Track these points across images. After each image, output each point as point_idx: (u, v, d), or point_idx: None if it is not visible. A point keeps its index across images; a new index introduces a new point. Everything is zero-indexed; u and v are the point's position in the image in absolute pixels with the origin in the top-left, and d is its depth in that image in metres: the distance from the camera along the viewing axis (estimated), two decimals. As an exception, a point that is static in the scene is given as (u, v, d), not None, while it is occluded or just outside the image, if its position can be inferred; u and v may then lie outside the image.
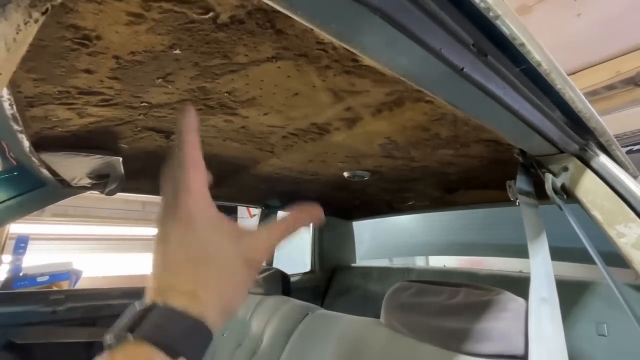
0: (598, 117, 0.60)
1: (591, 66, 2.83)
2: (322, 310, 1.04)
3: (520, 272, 1.51)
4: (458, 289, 0.70)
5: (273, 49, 0.47)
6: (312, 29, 0.39)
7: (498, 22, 0.34)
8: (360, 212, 2.07)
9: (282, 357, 0.95)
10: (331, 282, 2.09)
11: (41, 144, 0.78)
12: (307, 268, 2.15)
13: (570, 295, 1.09)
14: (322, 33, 0.31)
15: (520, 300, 0.61)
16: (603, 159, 0.65)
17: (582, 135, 0.65)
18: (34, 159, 0.84)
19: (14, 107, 0.52)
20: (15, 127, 0.61)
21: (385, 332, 0.77)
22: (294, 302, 1.16)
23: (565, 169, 0.67)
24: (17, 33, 0.22)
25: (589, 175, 0.65)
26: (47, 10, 0.23)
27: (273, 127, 0.81)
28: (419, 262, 3.17)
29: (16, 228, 2.80)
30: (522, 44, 0.38)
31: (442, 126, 0.74)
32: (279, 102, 0.67)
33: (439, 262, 3.01)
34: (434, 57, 0.34)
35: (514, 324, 0.58)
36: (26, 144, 0.72)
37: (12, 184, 1.09)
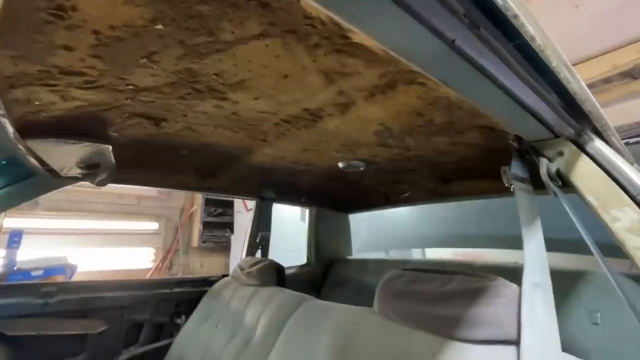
0: (594, 100, 0.59)
1: (588, 59, 2.82)
2: (316, 300, 1.04)
3: (515, 262, 1.51)
4: (451, 276, 0.70)
5: (260, 24, 0.45)
6: (298, 0, 0.37)
7: (491, -9, 0.33)
8: (356, 205, 2.06)
9: (276, 346, 0.94)
10: (327, 275, 2.09)
11: (26, 130, 0.76)
12: (303, 260, 2.15)
13: (564, 284, 1.09)
14: (309, 2, 0.30)
15: (514, 286, 0.60)
16: (598, 144, 0.64)
17: (578, 120, 0.64)
18: (19, 146, 0.82)
19: (-8, 88, 0.51)
20: (-3, 110, 0.59)
21: (378, 320, 0.76)
22: (288, 293, 1.15)
23: (561, 153, 0.66)
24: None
25: (584, 160, 0.64)
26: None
27: (265, 112, 0.80)
28: (416, 255, 3.18)
29: (10, 222, 2.78)
30: (516, 16, 0.37)
31: (437, 111, 0.73)
32: (269, 86, 0.65)
33: (435, 255, 3.02)
34: (423, 27, 0.33)
35: (507, 309, 0.57)
36: (10, 129, 0.70)
37: (1, 174, 1.07)
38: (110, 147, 0.95)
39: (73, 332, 1.30)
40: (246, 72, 0.59)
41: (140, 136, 0.96)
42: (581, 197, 0.64)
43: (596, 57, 2.78)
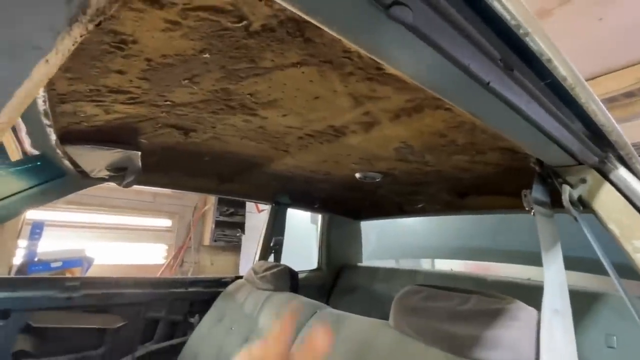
0: (620, 130, 0.60)
1: (611, 72, 2.77)
2: (330, 309, 1.06)
3: (529, 279, 1.50)
4: (469, 295, 0.71)
5: (299, 55, 0.48)
6: (340, 39, 0.40)
7: (527, 39, 0.35)
8: (369, 213, 2.07)
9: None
10: (337, 281, 2.11)
11: (67, 137, 0.80)
12: (312, 261, 2.17)
13: (580, 305, 1.09)
14: (353, 45, 0.32)
15: (531, 309, 0.61)
16: (622, 172, 0.65)
17: (602, 148, 0.65)
18: (58, 151, 0.87)
19: (47, 103, 0.54)
20: (45, 121, 0.63)
21: (393, 335, 0.78)
22: (302, 300, 1.17)
23: (583, 180, 0.67)
24: (74, 42, 0.23)
25: (607, 188, 0.64)
26: (100, 22, 0.25)
27: (290, 127, 0.82)
28: (425, 265, 3.16)
29: (32, 214, 2.88)
30: (549, 60, 0.38)
31: (460, 133, 0.75)
32: (299, 105, 0.68)
33: (445, 266, 3.00)
34: (461, 72, 0.35)
35: (525, 333, 0.58)
36: (53, 137, 0.74)
37: (34, 173, 1.13)
38: (139, 153, 1.00)
39: (93, 327, 1.35)
40: (279, 93, 0.62)
41: (168, 144, 1.00)
42: (603, 225, 0.65)
43: (619, 70, 2.73)
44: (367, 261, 2.55)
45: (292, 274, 1.40)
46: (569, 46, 2.36)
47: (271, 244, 1.76)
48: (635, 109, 2.77)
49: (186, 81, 0.56)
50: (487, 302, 0.67)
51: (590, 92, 0.48)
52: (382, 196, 1.68)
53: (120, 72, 0.49)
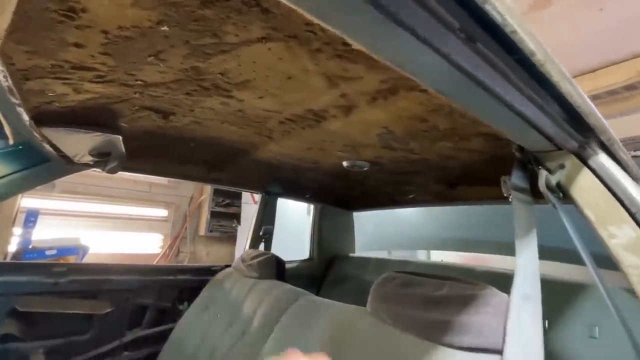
0: (598, 113, 0.58)
1: (611, 64, 2.73)
2: (312, 296, 1.06)
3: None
4: (443, 281, 0.70)
5: (262, 28, 0.46)
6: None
7: (487, 7, 0.33)
8: (362, 203, 2.07)
9: (270, 338, 0.97)
10: (328, 271, 2.11)
11: (41, 118, 0.79)
12: (306, 255, 2.17)
13: (563, 295, 1.08)
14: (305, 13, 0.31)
15: (504, 295, 0.60)
16: (602, 158, 0.63)
17: (583, 133, 0.63)
18: (35, 133, 0.86)
19: (9, 79, 0.53)
20: (13, 100, 0.62)
21: (370, 321, 0.78)
22: (286, 287, 1.17)
23: (562, 166, 0.66)
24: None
25: (586, 173, 0.63)
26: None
27: (269, 111, 0.81)
28: (421, 256, 3.17)
29: (27, 202, 2.88)
30: (514, 32, 0.37)
31: (439, 117, 0.73)
32: (273, 86, 0.66)
33: (441, 257, 3.00)
34: (417, 41, 0.33)
35: (494, 318, 0.57)
36: (26, 117, 0.73)
37: (17, 158, 1.11)
38: (121, 138, 0.99)
39: (81, 312, 1.36)
40: (250, 72, 0.60)
41: (149, 128, 0.99)
42: (580, 211, 0.64)
43: (620, 62, 2.69)
44: (364, 251, 2.56)
45: (278, 262, 1.40)
46: (568, 37, 2.32)
47: (261, 233, 1.76)
48: (636, 102, 2.74)
49: (151, 57, 0.54)
50: (461, 288, 0.66)
51: (562, 70, 0.46)
52: (373, 186, 1.67)
53: (78, 45, 0.48)
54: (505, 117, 0.51)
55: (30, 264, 1.33)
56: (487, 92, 0.44)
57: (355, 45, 0.48)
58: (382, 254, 2.90)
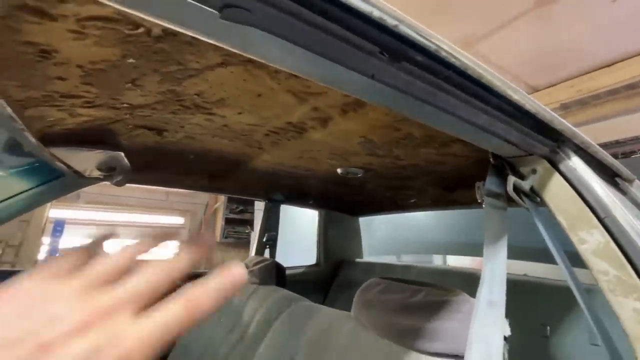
0: (560, 119, 0.58)
1: (628, 57, 2.61)
2: (306, 302, 1.08)
3: (525, 275, 1.46)
4: (421, 287, 0.71)
5: (218, 55, 0.50)
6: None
7: (401, 30, 0.35)
8: (365, 209, 2.07)
9: (264, 342, 1.00)
10: (335, 276, 2.12)
11: (47, 139, 0.87)
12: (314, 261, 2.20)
13: (563, 301, 1.06)
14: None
15: (474, 301, 0.61)
16: (574, 162, 0.63)
17: (552, 138, 0.63)
18: (45, 153, 0.94)
19: (9, 108, 0.60)
20: (17, 125, 0.69)
21: (352, 326, 0.79)
22: (282, 293, 1.20)
23: (534, 171, 0.65)
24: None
25: (557, 178, 0.63)
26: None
27: (252, 125, 0.85)
28: (437, 261, 3.11)
29: (54, 213, 3.08)
30: (438, 49, 0.39)
31: (411, 126, 0.74)
32: (247, 103, 0.70)
33: (455, 262, 2.94)
34: (339, 66, 0.36)
35: (463, 324, 0.58)
36: (32, 140, 0.81)
37: (34, 174, 1.22)
38: (122, 154, 1.06)
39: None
40: (222, 92, 0.65)
41: (148, 143, 1.06)
42: (553, 216, 0.63)
43: (636, 56, 2.58)
44: (376, 256, 2.55)
45: (279, 268, 1.44)
46: (581, 29, 2.24)
47: (264, 240, 1.80)
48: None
49: (129, 84, 0.59)
50: (436, 294, 0.67)
51: (504, 81, 0.47)
52: (373, 191, 1.68)
53: (61, 78, 0.53)
54: (458, 126, 0.53)
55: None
56: (429, 105, 0.46)
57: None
58: (392, 259, 2.88)
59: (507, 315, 0.91)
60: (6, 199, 1.22)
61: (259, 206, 4.15)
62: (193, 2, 0.27)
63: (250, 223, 3.94)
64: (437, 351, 0.60)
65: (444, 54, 0.39)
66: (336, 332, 0.81)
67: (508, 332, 0.56)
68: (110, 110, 0.72)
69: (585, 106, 2.88)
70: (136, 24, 0.39)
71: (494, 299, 0.56)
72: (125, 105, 0.70)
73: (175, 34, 0.42)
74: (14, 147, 1.04)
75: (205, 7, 0.27)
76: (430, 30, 0.36)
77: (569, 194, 0.60)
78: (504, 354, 0.54)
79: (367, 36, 0.35)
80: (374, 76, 0.38)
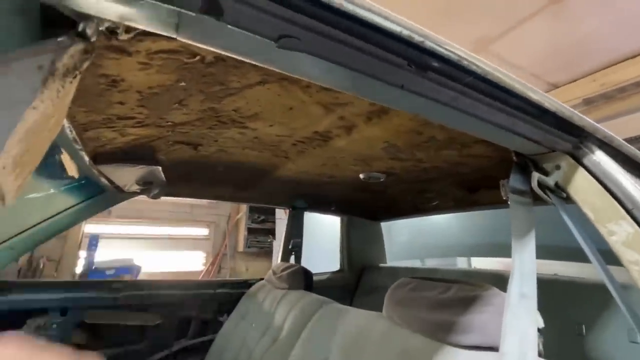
0: (581, 115, 0.60)
1: (651, 49, 2.54)
2: (335, 304, 1.11)
3: (555, 275, 1.43)
4: (451, 284, 0.73)
5: (259, 75, 0.56)
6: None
7: (427, 45, 0.40)
8: (387, 213, 2.09)
9: (297, 344, 1.04)
10: (360, 281, 2.14)
11: (97, 158, 0.96)
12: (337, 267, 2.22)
13: (599, 300, 1.05)
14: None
15: (505, 295, 0.63)
16: (598, 156, 0.64)
17: (575, 134, 0.65)
18: (94, 170, 1.04)
19: (73, 132, 0.68)
20: (77, 146, 0.78)
21: (385, 324, 0.82)
22: (312, 297, 1.24)
23: (558, 167, 0.67)
24: (57, 94, 0.34)
25: (581, 173, 0.64)
26: (76, 76, 0.35)
27: (281, 136, 0.91)
28: (461, 264, 3.07)
29: (89, 228, 3.26)
30: (460, 59, 0.43)
31: (434, 129, 0.78)
32: (279, 116, 0.76)
33: (481, 264, 2.89)
34: (372, 79, 0.41)
35: (495, 317, 0.60)
36: (86, 158, 0.90)
37: (80, 191, 1.33)
38: (160, 168, 1.15)
39: (135, 323, 1.53)
40: (257, 107, 0.71)
41: (183, 158, 1.14)
42: (580, 210, 0.65)
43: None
44: (399, 261, 2.55)
45: (306, 273, 1.48)
46: (600, 23, 2.21)
47: (290, 247, 1.85)
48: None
49: (176, 105, 0.67)
50: (466, 289, 0.69)
51: (524, 83, 0.50)
52: (395, 196, 1.71)
53: (121, 102, 0.61)
54: (482, 128, 0.56)
55: (94, 282, 1.54)
56: (454, 110, 0.50)
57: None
58: (416, 264, 2.86)
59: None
60: (56, 214, 1.34)
61: (280, 215, 4.22)
62: (253, 35, 0.33)
63: (272, 232, 4.01)
64: (471, 344, 0.62)
65: (465, 62, 0.44)
66: (369, 331, 0.84)
67: (541, 324, 0.58)
68: (155, 128, 0.80)
69: (610, 100, 2.80)
70: (194, 53, 0.46)
71: (525, 291, 0.58)
72: (169, 123, 0.78)
73: (224, 59, 0.49)
74: (64, 167, 1.15)
75: (264, 38, 0.33)
76: (445, 34, 0.41)
77: (594, 187, 0.62)
78: (539, 345, 0.56)
79: (396, 52, 0.40)
80: (403, 86, 0.43)
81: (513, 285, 0.59)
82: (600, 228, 0.61)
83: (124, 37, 0.31)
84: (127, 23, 0.31)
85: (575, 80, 3.03)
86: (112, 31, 0.32)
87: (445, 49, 0.41)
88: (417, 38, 0.39)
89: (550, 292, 1.23)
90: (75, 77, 0.35)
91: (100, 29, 0.34)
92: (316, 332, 1.02)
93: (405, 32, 0.38)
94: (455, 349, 0.63)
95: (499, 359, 0.54)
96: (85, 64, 0.35)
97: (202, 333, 1.69)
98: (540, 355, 0.55)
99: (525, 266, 0.61)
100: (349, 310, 1.00)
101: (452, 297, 0.70)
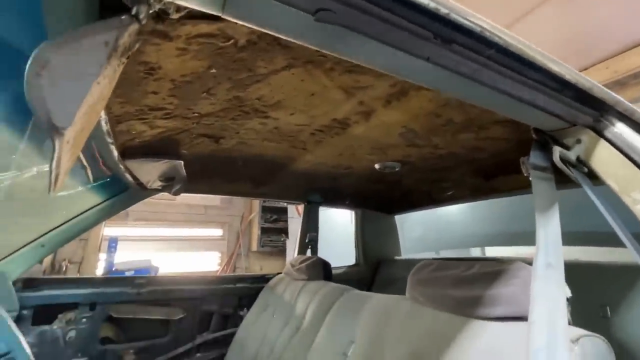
0: (601, 87, 0.61)
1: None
2: (356, 291, 1.13)
3: (576, 259, 1.42)
4: (474, 262, 0.74)
5: (285, 59, 0.59)
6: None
7: (452, 17, 0.42)
8: (401, 206, 2.10)
9: (321, 330, 1.06)
10: (376, 274, 2.15)
11: (125, 153, 1.00)
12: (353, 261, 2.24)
13: (574, 276, 1.06)
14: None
15: (530, 268, 0.64)
16: (620, 128, 0.65)
17: (596, 107, 0.66)
18: (121, 165, 1.08)
19: (108, 124, 0.72)
20: (109, 140, 0.82)
21: (408, 305, 0.84)
22: (332, 285, 1.26)
23: (579, 141, 0.68)
24: (114, 73, 0.37)
25: (603, 145, 0.65)
26: (128, 56, 0.38)
27: (300, 125, 0.94)
28: (474, 254, 3.05)
29: (108, 231, 3.35)
30: (483, 30, 0.45)
31: (452, 110, 0.79)
32: (301, 103, 0.79)
33: (495, 253, 2.87)
34: (401, 52, 0.43)
35: (522, 289, 0.61)
36: (115, 153, 0.94)
37: (106, 189, 1.38)
38: (182, 163, 1.19)
39: (159, 317, 1.57)
40: (280, 94, 0.73)
41: (204, 152, 1.18)
42: (603, 182, 0.65)
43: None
44: (413, 254, 2.55)
45: (324, 264, 1.50)
46: (610, 10, 2.18)
47: (306, 240, 1.88)
48: None
49: (204, 94, 0.70)
50: (490, 265, 0.70)
51: (545, 54, 0.52)
52: (410, 187, 1.72)
53: (154, 92, 0.64)
54: (504, 102, 0.58)
55: (118, 278, 1.59)
56: (476, 83, 0.51)
57: (359, 60, 0.59)
58: (431, 255, 2.85)
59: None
60: (82, 213, 1.39)
61: (292, 214, 4.26)
62: (292, 9, 0.35)
63: (284, 231, 4.05)
64: (498, 315, 0.63)
65: (487, 34, 0.45)
66: (394, 313, 0.86)
67: (569, 294, 0.59)
68: (182, 120, 0.84)
69: (624, 86, 2.75)
70: (228, 37, 0.49)
71: (551, 261, 0.59)
72: (195, 114, 0.81)
73: (256, 42, 0.51)
74: (92, 164, 1.19)
75: (302, 12, 0.35)
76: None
77: (617, 158, 0.63)
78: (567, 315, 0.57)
79: (423, 25, 0.42)
80: (429, 59, 0.45)
81: (539, 256, 0.60)
82: (625, 198, 0.61)
83: (175, 16, 0.34)
84: (178, 1, 0.34)
85: (586, 69, 2.98)
86: (163, 12, 0.35)
87: (469, 21, 0.43)
88: (443, 10, 0.41)
89: (572, 276, 1.23)
90: (127, 57, 0.38)
91: (152, 11, 0.37)
92: (339, 318, 1.04)
93: (432, 5, 0.40)
94: (483, 322, 0.65)
95: (528, 328, 0.55)
96: (137, 45, 0.38)
97: (223, 327, 1.73)
98: (569, 324, 0.56)
99: (550, 237, 0.62)
100: (371, 296, 1.02)
101: (476, 273, 0.71)
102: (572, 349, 0.52)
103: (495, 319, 0.63)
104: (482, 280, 0.69)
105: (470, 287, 0.70)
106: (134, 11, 0.36)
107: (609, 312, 1.08)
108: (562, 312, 0.54)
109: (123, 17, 0.33)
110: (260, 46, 0.53)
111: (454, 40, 0.45)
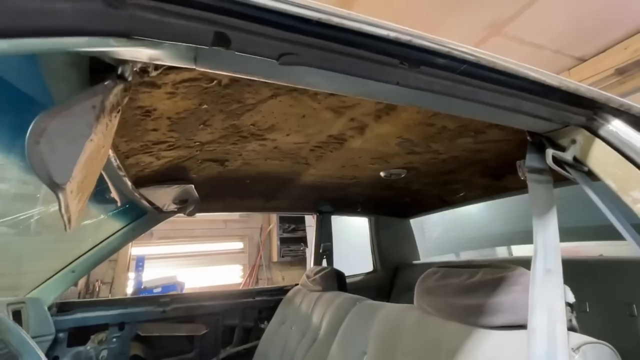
0: (589, 87, 0.60)
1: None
2: (368, 301, 1.14)
3: (601, 255, 1.36)
4: (477, 269, 0.74)
5: (269, 90, 0.62)
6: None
7: (415, 42, 0.44)
8: (414, 209, 2.08)
9: (336, 340, 1.07)
10: (395, 280, 2.13)
11: (138, 182, 1.06)
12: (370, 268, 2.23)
13: (600, 274, 1.00)
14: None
15: (530, 274, 0.63)
16: (615, 126, 0.63)
17: (588, 106, 0.65)
18: (135, 193, 1.15)
19: (117, 160, 0.78)
20: (120, 173, 0.88)
21: (416, 314, 0.84)
22: (346, 296, 1.27)
23: (574, 141, 0.67)
24: (106, 127, 0.41)
25: (598, 144, 0.64)
26: (119, 110, 0.42)
27: (298, 143, 0.97)
28: (501, 253, 2.96)
29: (135, 250, 3.50)
30: (450, 50, 0.46)
31: (444, 119, 0.80)
32: (294, 124, 0.82)
33: (521, 252, 2.77)
34: (369, 81, 0.45)
35: (523, 296, 0.60)
36: (129, 183, 1.00)
37: (125, 215, 1.47)
38: (193, 186, 1.24)
39: (183, 334, 1.63)
40: (273, 119, 0.77)
41: (212, 174, 1.23)
42: (602, 182, 0.64)
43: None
44: (433, 257, 2.52)
45: (338, 274, 1.51)
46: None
47: (321, 251, 1.90)
48: None
49: (202, 125, 0.74)
50: (493, 272, 0.70)
51: (521, 64, 0.52)
52: (419, 191, 1.70)
53: (154, 129, 0.69)
54: (487, 112, 0.58)
55: (144, 297, 1.66)
56: (454, 98, 0.52)
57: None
58: (451, 258, 2.80)
59: (586, 298, 0.90)
60: (107, 238, 1.48)
61: (310, 222, 4.29)
62: (258, 57, 0.38)
63: (303, 240, 4.08)
64: (501, 324, 0.62)
65: (456, 52, 0.47)
66: (402, 322, 0.86)
67: (571, 299, 0.58)
68: (185, 149, 0.89)
69: (648, 65, 2.61)
70: (212, 78, 0.52)
71: (549, 267, 0.59)
72: (197, 143, 0.86)
73: (238, 80, 0.55)
74: (110, 195, 1.28)
75: (267, 59, 0.38)
76: (455, 22, 0.44)
77: (614, 157, 0.61)
78: (570, 320, 0.56)
79: (387, 53, 0.44)
80: (398, 83, 0.46)
81: (537, 262, 0.60)
82: (625, 197, 0.60)
83: (153, 73, 0.38)
84: (155, 62, 0.38)
85: (604, 51, 2.85)
86: (144, 70, 0.39)
87: (434, 44, 0.44)
88: (404, 38, 0.42)
89: (596, 274, 1.18)
90: (118, 111, 0.42)
91: (135, 69, 0.41)
92: (352, 328, 1.05)
93: (393, 35, 0.42)
94: (486, 331, 0.64)
95: (527, 336, 0.54)
96: (126, 100, 0.42)
97: (245, 340, 1.77)
98: (573, 329, 0.55)
99: (548, 242, 0.61)
100: (381, 305, 1.02)
101: (479, 281, 0.71)
102: (572, 358, 0.51)
103: (498, 328, 0.63)
104: (484, 288, 0.68)
105: (473, 295, 0.70)
106: (119, 71, 0.40)
107: (635, 311, 1.03)
108: (561, 317, 0.53)
109: (106, 82, 0.37)
110: (243, 82, 0.56)
111: (422, 63, 0.47)
